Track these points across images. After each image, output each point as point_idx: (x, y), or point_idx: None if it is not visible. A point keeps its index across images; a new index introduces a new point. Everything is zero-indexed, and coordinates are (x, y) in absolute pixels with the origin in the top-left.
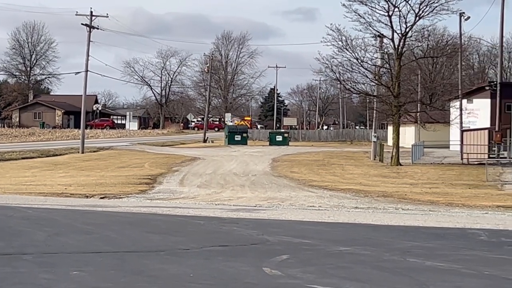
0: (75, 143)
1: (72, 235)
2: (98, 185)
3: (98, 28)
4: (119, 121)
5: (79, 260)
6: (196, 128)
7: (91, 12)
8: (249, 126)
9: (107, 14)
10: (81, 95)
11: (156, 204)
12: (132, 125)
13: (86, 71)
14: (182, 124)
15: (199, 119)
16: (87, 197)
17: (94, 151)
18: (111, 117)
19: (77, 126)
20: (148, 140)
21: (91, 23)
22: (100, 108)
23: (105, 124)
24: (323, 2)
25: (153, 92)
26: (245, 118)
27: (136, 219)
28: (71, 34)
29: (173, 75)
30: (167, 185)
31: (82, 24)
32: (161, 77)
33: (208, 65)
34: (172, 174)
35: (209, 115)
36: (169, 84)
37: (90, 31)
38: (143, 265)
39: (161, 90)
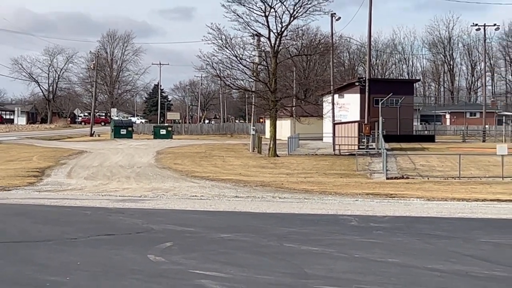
0: None
1: None
2: None
3: None
4: (7, 116)
5: None
6: (83, 123)
7: None
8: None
9: None
10: None
11: (44, 195)
12: (21, 120)
13: None
14: (69, 119)
15: (86, 114)
16: None
17: None
18: (0, 112)
19: None
20: (37, 135)
21: None
22: None
23: None
24: (199, 1)
25: (40, 88)
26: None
27: (24, 210)
28: None
29: (60, 72)
30: (55, 178)
31: None
32: (48, 74)
33: (94, 62)
34: (60, 167)
35: (95, 110)
36: (57, 81)
37: None
38: (31, 254)
39: (49, 87)
